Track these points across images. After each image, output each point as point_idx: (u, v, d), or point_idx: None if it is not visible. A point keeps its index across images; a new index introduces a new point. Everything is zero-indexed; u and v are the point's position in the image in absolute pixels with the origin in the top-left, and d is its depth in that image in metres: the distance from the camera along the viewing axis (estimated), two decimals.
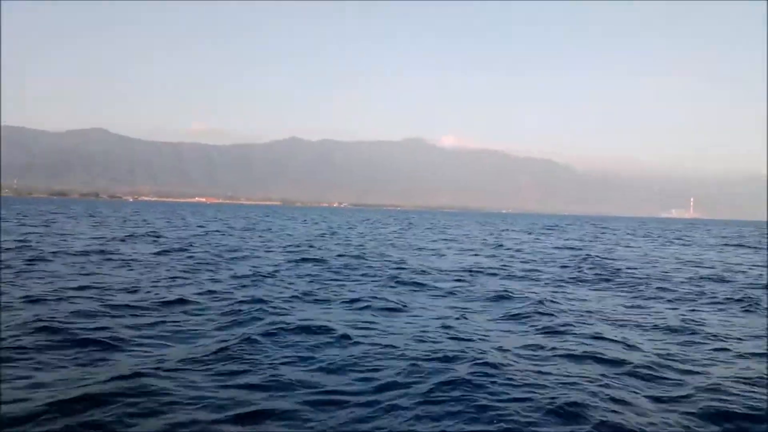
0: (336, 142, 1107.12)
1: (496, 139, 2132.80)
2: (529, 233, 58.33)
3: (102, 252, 22.57)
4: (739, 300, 15.24)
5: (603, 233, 62.59)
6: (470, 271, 20.67)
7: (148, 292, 13.56)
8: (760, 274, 22.48)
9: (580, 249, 34.66)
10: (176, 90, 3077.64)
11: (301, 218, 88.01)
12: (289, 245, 30.28)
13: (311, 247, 29.65)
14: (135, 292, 13.51)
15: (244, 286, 14.93)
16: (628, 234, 62.93)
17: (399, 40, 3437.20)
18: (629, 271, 22.31)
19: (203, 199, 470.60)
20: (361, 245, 32.02)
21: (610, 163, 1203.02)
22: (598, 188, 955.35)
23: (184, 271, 17.64)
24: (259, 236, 38.01)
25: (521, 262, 25.36)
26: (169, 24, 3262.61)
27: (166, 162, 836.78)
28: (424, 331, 10.21)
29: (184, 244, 28.41)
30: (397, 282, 16.92)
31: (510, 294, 14.92)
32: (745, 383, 7.76)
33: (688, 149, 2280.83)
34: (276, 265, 20.01)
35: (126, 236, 32.16)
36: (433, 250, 31.05)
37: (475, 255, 28.46)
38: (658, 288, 17.36)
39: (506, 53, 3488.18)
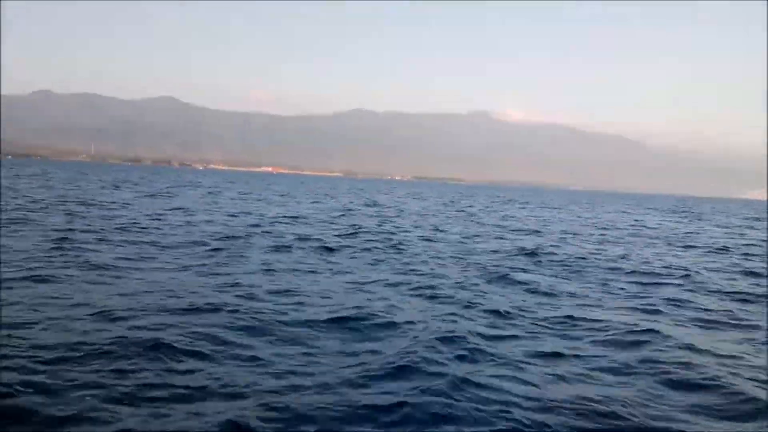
0: (400, 114, 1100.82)
1: (564, 113, 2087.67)
2: (682, 217, 52.09)
3: None
4: None
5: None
6: None
7: None
8: None
9: None
10: (241, 57, 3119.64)
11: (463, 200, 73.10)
12: None
13: None
14: None
15: None
16: None
17: (465, 14, 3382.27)
18: None
19: (269, 169, 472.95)
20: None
21: (682, 142, 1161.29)
22: (670, 167, 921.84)
23: None
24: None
25: None
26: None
27: (233, 131, 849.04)
28: None
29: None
30: None
31: None
32: None
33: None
34: None
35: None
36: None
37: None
38: None
39: (575, 24, 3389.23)
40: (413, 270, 14.42)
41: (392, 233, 23.46)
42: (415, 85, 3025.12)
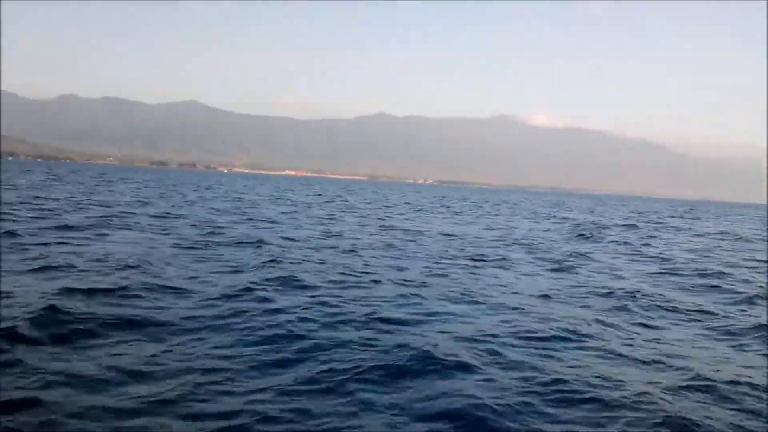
0: (422, 118, 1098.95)
1: (588, 118, 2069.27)
2: None
3: None
4: None
5: None
6: None
7: None
8: None
9: None
10: (266, 65, 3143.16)
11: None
12: None
13: None
14: None
15: None
16: None
17: (488, 16, 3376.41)
18: None
19: (292, 173, 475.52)
20: None
21: (708, 147, 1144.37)
22: (696, 171, 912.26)
23: None
24: None
25: None
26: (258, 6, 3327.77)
27: (257, 135, 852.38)
28: None
29: None
30: None
31: None
32: None
33: None
34: None
35: None
36: None
37: None
38: None
39: (600, 27, 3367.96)
40: None
41: None
42: (437, 89, 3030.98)
